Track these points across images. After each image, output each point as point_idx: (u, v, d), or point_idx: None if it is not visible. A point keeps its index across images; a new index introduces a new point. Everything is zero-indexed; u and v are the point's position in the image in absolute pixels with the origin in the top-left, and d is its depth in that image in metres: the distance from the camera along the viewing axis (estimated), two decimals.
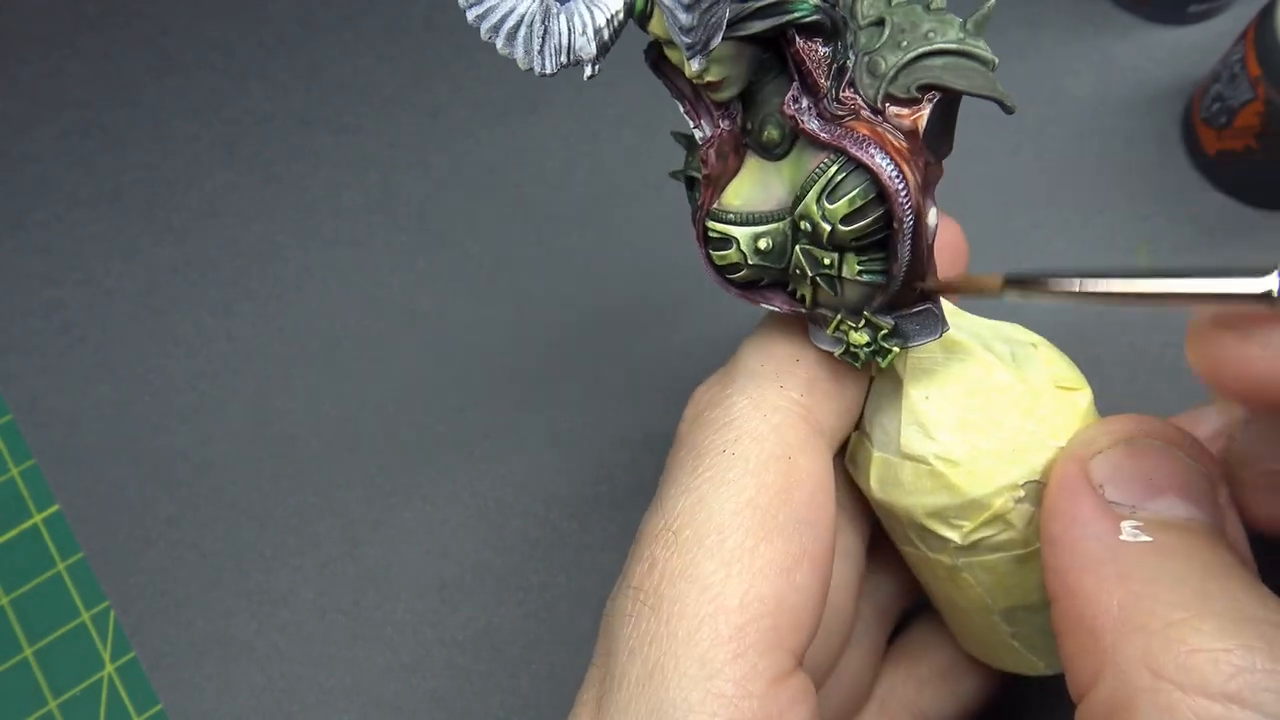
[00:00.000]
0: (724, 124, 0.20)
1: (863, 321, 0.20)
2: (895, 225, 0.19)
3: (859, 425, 0.23)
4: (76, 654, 0.33)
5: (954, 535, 0.21)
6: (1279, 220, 0.36)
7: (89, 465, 0.35)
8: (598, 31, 0.17)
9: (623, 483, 0.34)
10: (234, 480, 0.35)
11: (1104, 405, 0.22)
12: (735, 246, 0.20)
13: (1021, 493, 0.21)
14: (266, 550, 0.34)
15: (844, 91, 0.18)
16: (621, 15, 0.17)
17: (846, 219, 0.19)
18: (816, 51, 0.18)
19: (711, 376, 0.22)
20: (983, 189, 0.37)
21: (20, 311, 0.37)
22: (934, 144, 0.19)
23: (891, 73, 0.18)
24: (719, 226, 0.20)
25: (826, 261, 0.20)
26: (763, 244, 0.20)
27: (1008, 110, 0.18)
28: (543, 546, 0.34)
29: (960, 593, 0.23)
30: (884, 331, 0.20)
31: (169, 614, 0.33)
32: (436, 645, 0.33)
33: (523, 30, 0.17)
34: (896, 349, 0.20)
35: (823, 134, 0.18)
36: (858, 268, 0.20)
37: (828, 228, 0.19)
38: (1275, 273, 0.17)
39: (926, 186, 0.19)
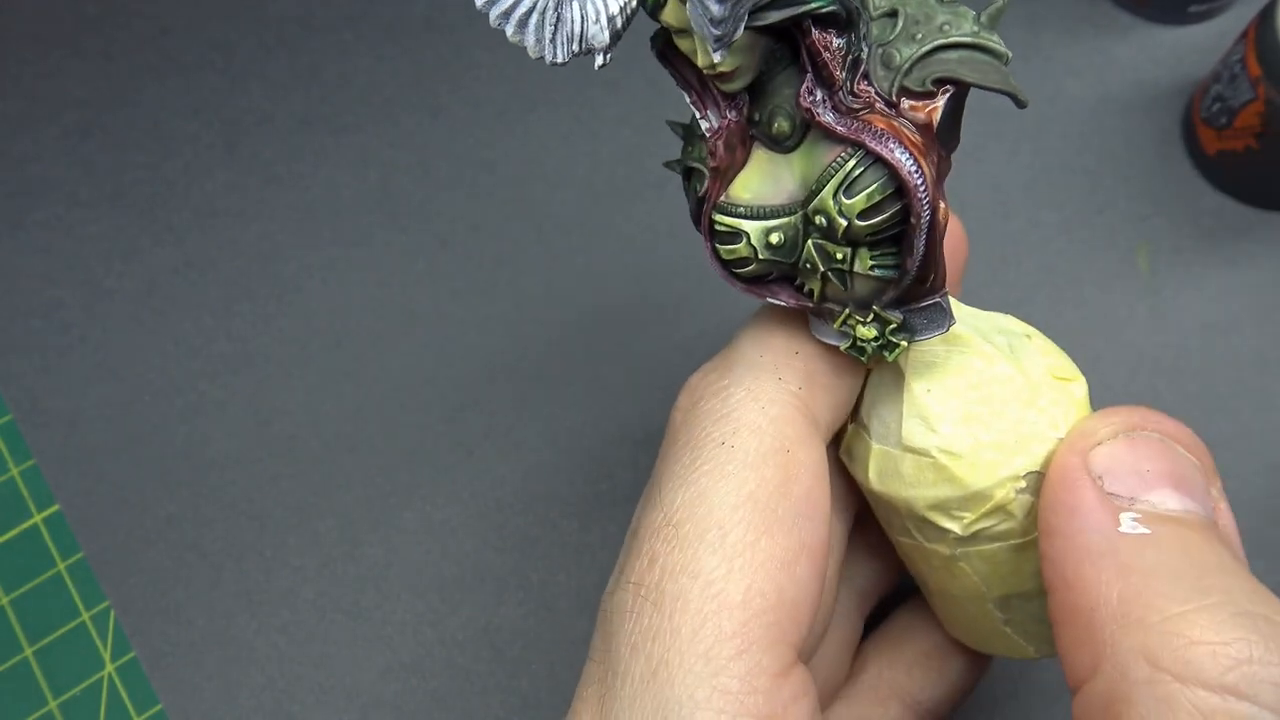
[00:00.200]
0: (731, 115, 0.19)
1: (871, 316, 0.20)
2: (913, 220, 0.18)
3: (855, 418, 0.23)
4: (76, 654, 0.33)
5: (954, 526, 0.21)
6: (1279, 220, 0.36)
7: (89, 465, 0.35)
8: (610, 19, 0.17)
9: (623, 482, 0.34)
10: (234, 480, 0.35)
11: (1102, 404, 0.22)
12: (745, 241, 0.20)
13: (1023, 483, 0.21)
14: (266, 550, 0.34)
15: (859, 84, 0.18)
16: (634, 2, 0.17)
17: (864, 214, 0.19)
18: (831, 43, 0.18)
19: (706, 365, 0.22)
20: (983, 189, 0.37)
21: (20, 311, 0.37)
22: (944, 138, 0.19)
23: (907, 66, 0.18)
24: (728, 220, 0.20)
25: (839, 256, 0.19)
26: (774, 238, 0.20)
27: (1021, 105, 0.18)
28: (543, 546, 0.34)
29: (955, 582, 0.23)
30: (892, 326, 0.20)
31: (169, 614, 0.33)
32: (436, 645, 0.33)
33: (534, 17, 0.17)
34: (904, 343, 0.20)
35: (839, 127, 0.18)
36: (870, 262, 0.19)
37: (844, 222, 0.19)
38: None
39: (939, 180, 0.19)
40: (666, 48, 0.19)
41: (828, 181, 0.19)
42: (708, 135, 0.20)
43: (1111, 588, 0.18)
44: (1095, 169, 0.37)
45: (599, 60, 0.17)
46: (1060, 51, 0.39)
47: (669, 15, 0.18)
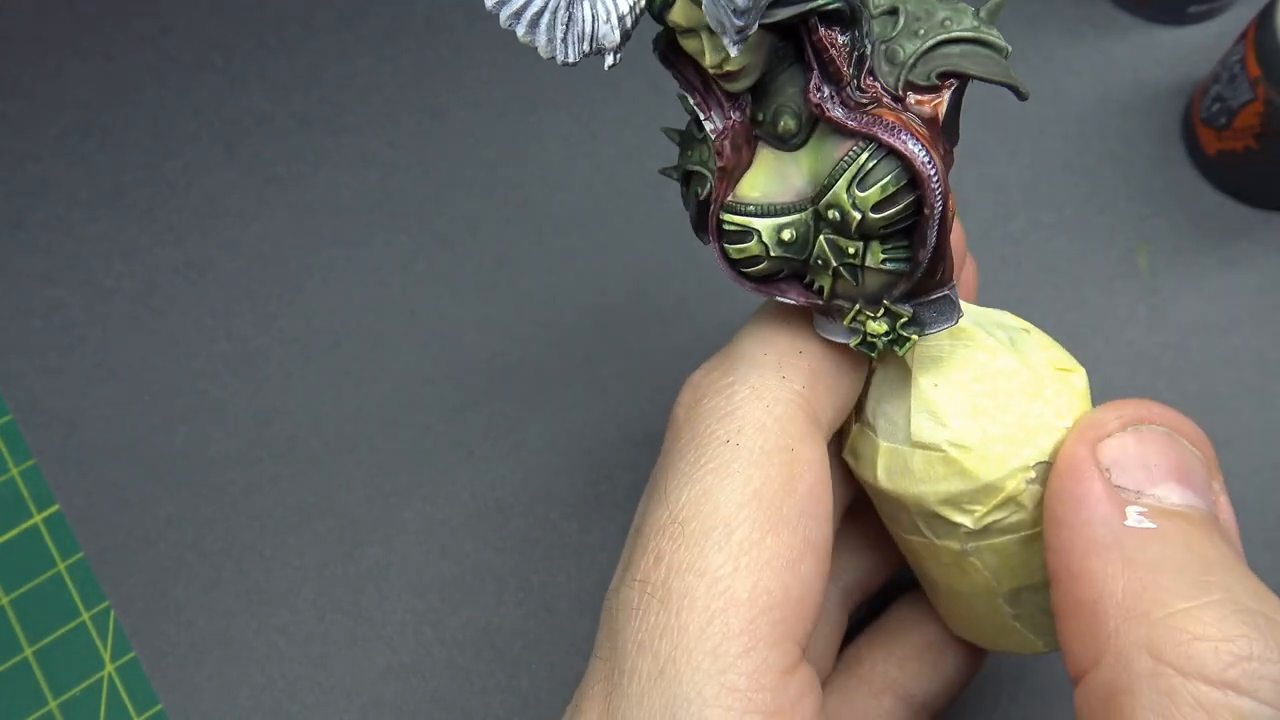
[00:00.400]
0: (735, 115, 0.20)
1: (881, 310, 0.20)
2: (926, 211, 0.19)
3: (859, 418, 0.23)
4: (76, 654, 0.33)
5: (966, 520, 0.21)
6: (1279, 220, 0.36)
7: (89, 465, 0.35)
8: (621, 19, 0.17)
9: (623, 483, 0.34)
10: (234, 480, 0.35)
11: (1101, 404, 0.22)
12: (756, 239, 0.20)
13: (1033, 474, 0.21)
14: (266, 550, 0.34)
15: (865, 79, 0.18)
16: (643, 2, 0.17)
17: (878, 206, 0.19)
18: (837, 40, 0.18)
19: (708, 362, 0.22)
20: (983, 189, 0.37)
21: (20, 311, 0.37)
22: (948, 132, 0.19)
23: (911, 60, 0.18)
24: (737, 219, 0.20)
25: (851, 251, 0.19)
26: (786, 235, 0.20)
27: (1022, 97, 0.18)
28: (543, 546, 0.34)
29: (965, 578, 0.23)
30: (903, 320, 0.20)
31: (169, 614, 0.33)
32: (436, 645, 0.33)
33: (545, 17, 0.17)
34: (915, 337, 0.20)
35: (850, 122, 0.18)
36: (882, 256, 0.20)
37: (858, 216, 0.19)
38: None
39: (947, 173, 0.19)
40: (669, 49, 0.19)
41: (840, 175, 0.19)
42: (713, 136, 0.20)
43: (1116, 581, 0.18)
44: (1095, 169, 0.37)
45: (609, 60, 0.18)
46: (1060, 51, 0.39)
47: (677, 15, 0.18)
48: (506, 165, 0.39)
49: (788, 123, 0.19)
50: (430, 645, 0.33)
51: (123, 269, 0.38)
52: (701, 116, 0.20)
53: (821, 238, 0.20)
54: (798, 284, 0.21)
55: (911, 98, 0.18)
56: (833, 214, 0.19)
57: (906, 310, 0.20)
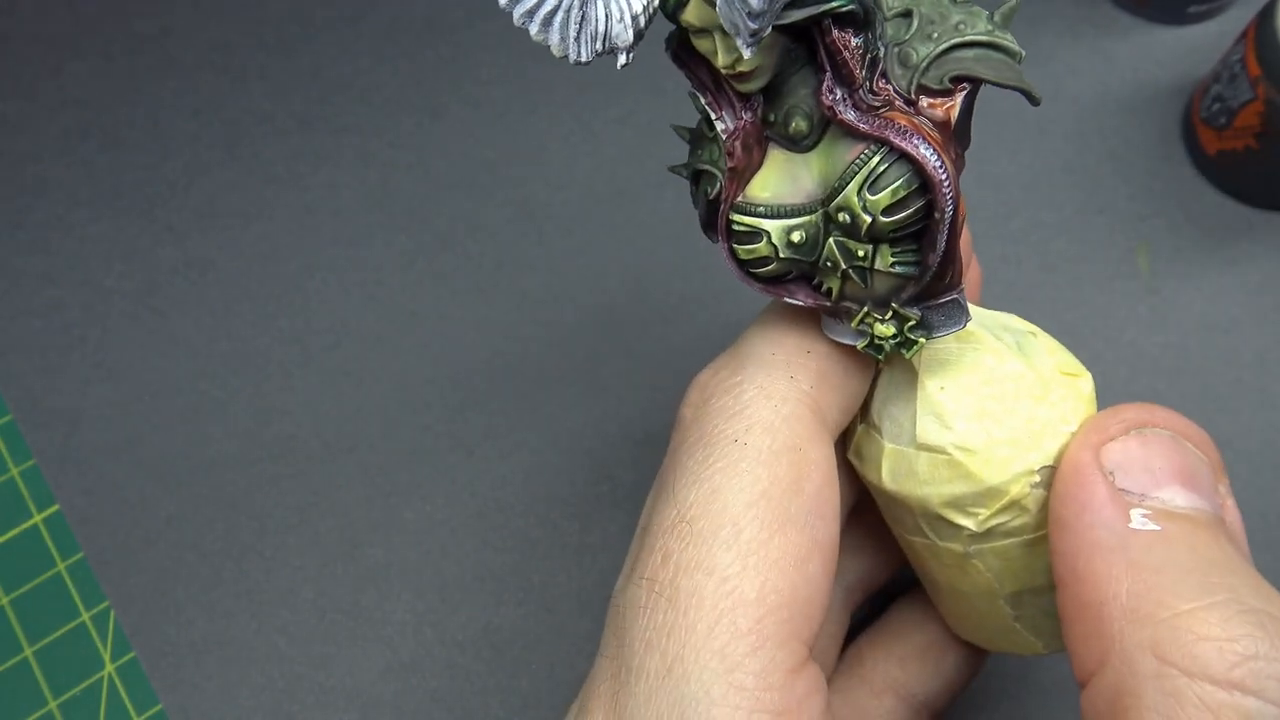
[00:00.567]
0: (746, 116, 0.20)
1: (890, 313, 0.20)
2: (936, 216, 0.19)
3: (865, 419, 0.23)
4: (76, 654, 0.33)
5: (969, 523, 0.21)
6: (1279, 220, 0.36)
7: (89, 465, 0.35)
8: (634, 18, 0.17)
9: (623, 483, 0.34)
10: (234, 480, 0.35)
11: (1102, 404, 0.22)
12: (766, 240, 0.20)
13: (1037, 478, 0.21)
14: (266, 550, 0.34)
15: (878, 82, 0.18)
16: (657, 2, 0.17)
17: (888, 210, 0.19)
18: (850, 42, 0.18)
19: (715, 361, 0.22)
20: (982, 189, 0.37)
21: (20, 311, 0.37)
22: (959, 135, 0.19)
23: (924, 64, 0.18)
24: (747, 220, 0.20)
25: (860, 254, 0.20)
26: (796, 236, 0.20)
27: (1034, 102, 0.18)
28: (543, 546, 0.34)
29: (967, 579, 0.23)
30: (911, 323, 0.20)
31: (169, 614, 0.33)
32: (436, 645, 0.33)
33: (559, 16, 0.17)
34: (922, 340, 0.20)
35: (862, 125, 0.18)
36: (891, 259, 0.20)
37: (868, 219, 0.19)
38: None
39: (958, 177, 0.19)
40: (681, 49, 0.19)
41: (851, 179, 0.19)
42: (724, 136, 0.20)
43: (1121, 583, 0.18)
44: (1095, 169, 0.37)
45: (621, 59, 0.18)
46: (1060, 51, 0.39)
47: (690, 15, 0.18)
48: (506, 165, 0.39)
49: (799, 124, 0.19)
50: (430, 645, 0.33)
51: (123, 269, 0.38)
52: (713, 116, 0.20)
53: (831, 240, 0.20)
54: (806, 285, 0.21)
55: (924, 101, 0.18)
56: (843, 217, 0.19)
57: (914, 313, 0.20)
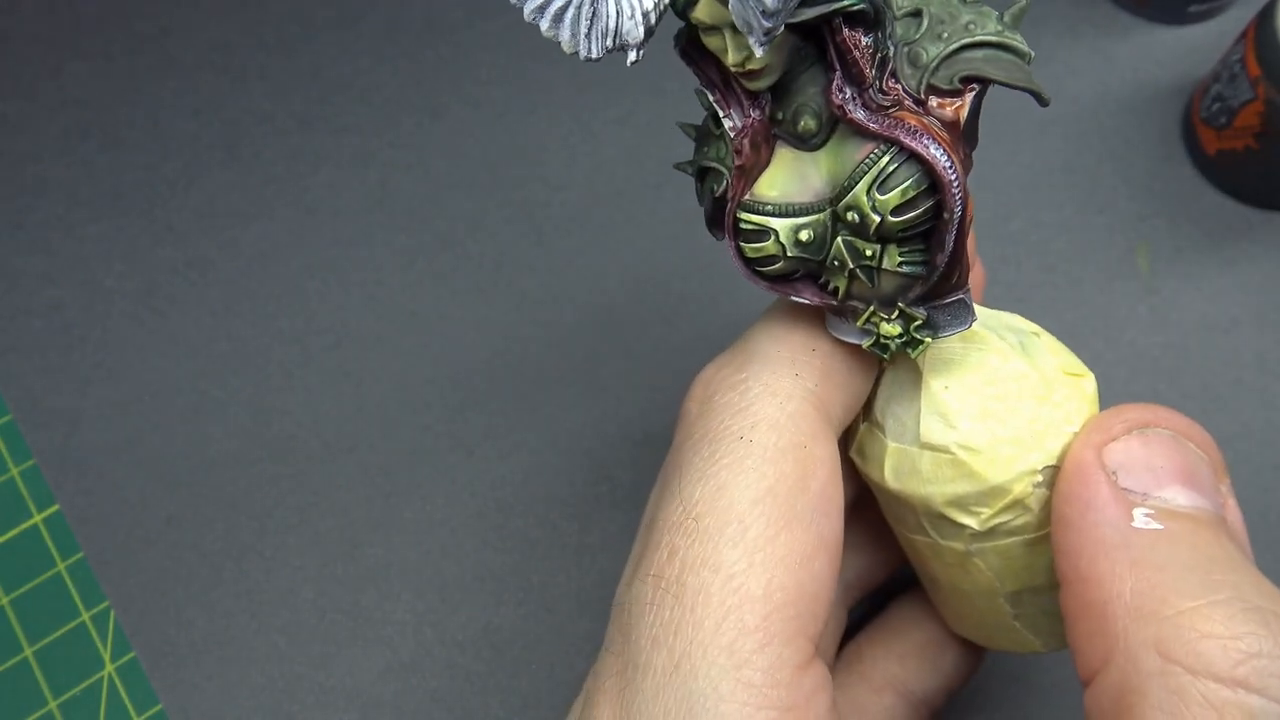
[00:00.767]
0: (754, 113, 0.20)
1: (896, 313, 0.20)
2: (945, 216, 0.19)
3: (868, 417, 0.23)
4: (76, 654, 0.33)
5: (972, 522, 0.21)
6: (1279, 220, 0.36)
7: (89, 465, 0.35)
8: (645, 15, 0.17)
9: (623, 483, 0.34)
10: (234, 480, 0.35)
11: (1102, 405, 0.22)
12: (773, 238, 0.20)
13: (1040, 478, 0.21)
14: (266, 550, 0.34)
15: (887, 82, 0.18)
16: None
17: (897, 210, 0.19)
18: (860, 41, 0.18)
19: (720, 358, 0.22)
20: (982, 189, 0.37)
21: (20, 311, 0.37)
22: (968, 135, 0.19)
23: (934, 64, 0.18)
24: (754, 218, 0.20)
25: (868, 253, 0.20)
26: (804, 235, 0.20)
27: (1043, 103, 0.18)
28: (543, 546, 0.34)
29: (968, 578, 0.23)
30: (917, 323, 0.20)
31: (169, 614, 0.33)
32: (436, 645, 0.33)
33: (570, 13, 0.17)
34: (928, 340, 0.20)
35: (871, 124, 0.18)
36: (898, 259, 0.20)
37: (877, 219, 0.19)
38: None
39: (966, 177, 0.19)
40: (689, 46, 0.19)
41: (860, 178, 0.19)
42: (733, 134, 0.20)
43: (1124, 582, 0.18)
44: (1095, 169, 0.37)
45: (631, 56, 0.18)
46: (1060, 51, 0.39)
47: (701, 12, 0.18)
48: (506, 165, 0.39)
49: (808, 123, 0.19)
50: (430, 645, 0.33)
51: (123, 269, 0.38)
52: (721, 114, 0.20)
53: (839, 239, 0.20)
54: (812, 284, 0.21)
55: (933, 101, 0.18)
56: (851, 216, 0.19)
57: (921, 313, 0.20)
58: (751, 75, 0.19)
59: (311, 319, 0.37)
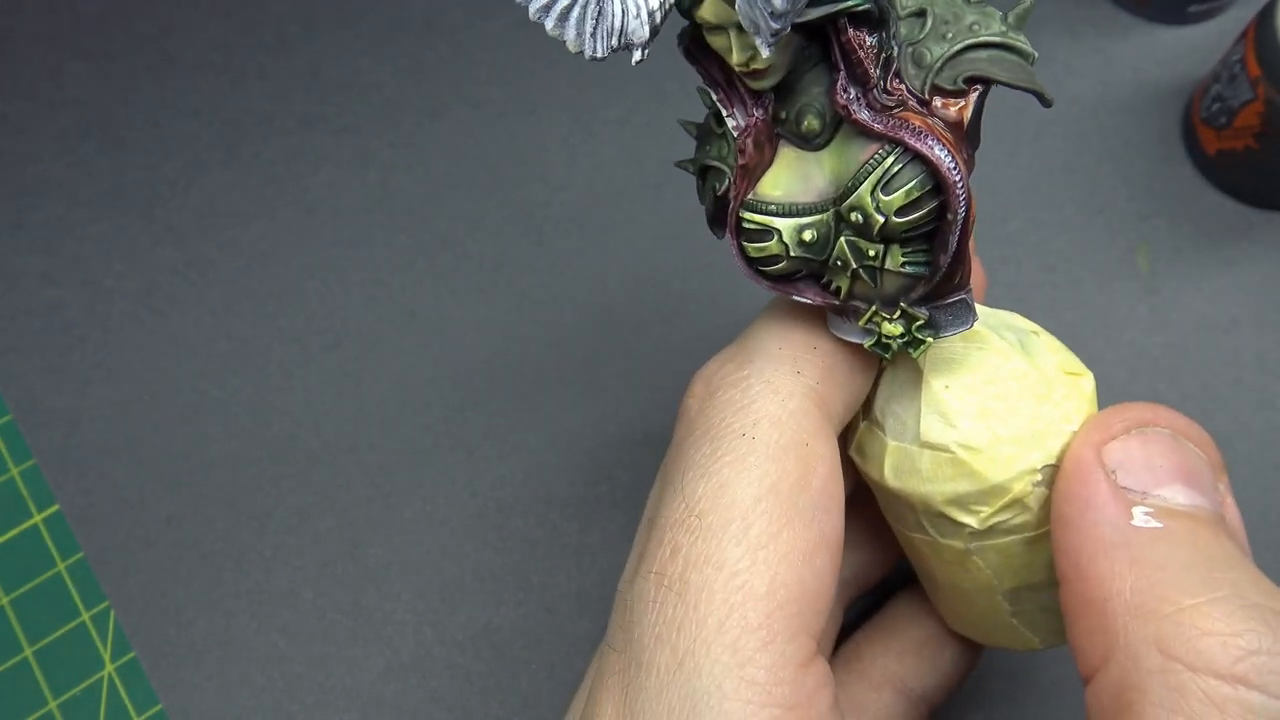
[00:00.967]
0: (757, 113, 0.20)
1: (898, 313, 0.20)
2: (949, 217, 0.19)
3: (868, 416, 0.23)
4: (76, 654, 0.33)
5: (971, 520, 0.21)
6: (1279, 220, 0.36)
7: (89, 465, 0.35)
8: (650, 14, 0.17)
9: (623, 483, 0.34)
10: (234, 480, 0.35)
11: (1102, 405, 0.22)
12: (777, 238, 0.20)
13: (1039, 477, 0.21)
14: (266, 550, 0.34)
15: (891, 82, 0.19)
16: None
17: (901, 210, 0.19)
18: (865, 41, 0.18)
19: (721, 355, 0.22)
20: (982, 189, 0.37)
21: (20, 311, 0.37)
22: (971, 136, 0.19)
23: (938, 64, 0.18)
24: (758, 217, 0.20)
25: (871, 253, 0.20)
26: (807, 235, 0.20)
27: (1046, 104, 0.18)
28: (543, 546, 0.34)
29: (967, 576, 0.23)
30: (919, 323, 0.20)
31: (169, 614, 0.33)
32: (436, 645, 0.33)
33: (575, 11, 0.17)
34: (930, 339, 0.20)
35: (876, 125, 0.19)
36: (902, 259, 0.20)
37: (881, 219, 0.19)
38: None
39: (969, 177, 0.19)
40: (693, 45, 0.19)
41: (865, 179, 0.19)
42: (736, 134, 0.20)
43: (1124, 580, 0.18)
44: (1095, 169, 0.37)
45: (636, 55, 0.18)
46: (1060, 51, 0.39)
47: (706, 12, 0.18)
48: (506, 165, 0.39)
49: (811, 122, 0.19)
50: (430, 645, 0.33)
51: (123, 269, 0.38)
52: (724, 113, 0.20)
53: (842, 239, 0.20)
54: (814, 284, 0.21)
55: (937, 101, 0.19)
56: (855, 216, 0.19)
57: (923, 313, 0.20)
58: (756, 75, 0.19)
59: (311, 319, 0.37)
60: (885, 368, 0.23)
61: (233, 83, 0.40)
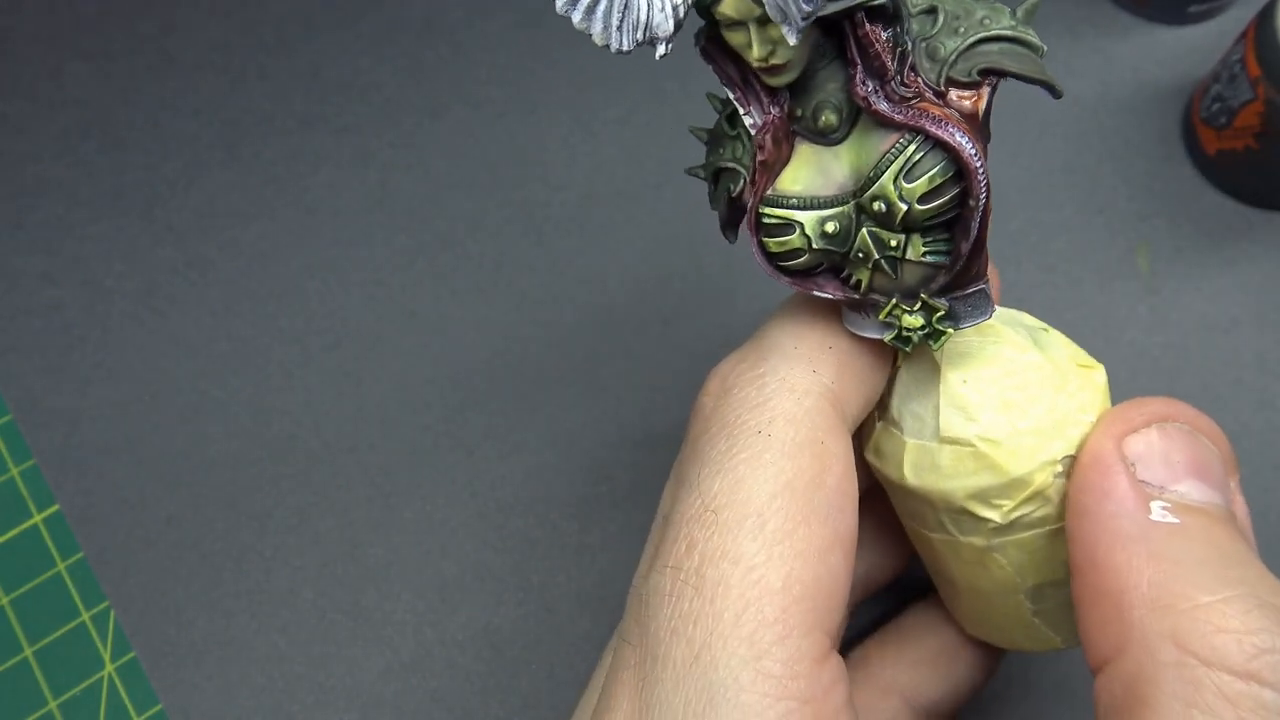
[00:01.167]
0: (774, 110, 0.20)
1: (918, 304, 0.20)
2: (971, 203, 0.19)
3: (883, 416, 0.23)
4: (76, 654, 0.33)
5: (994, 515, 0.21)
6: (1279, 220, 0.36)
7: (89, 465, 0.35)
8: (675, 9, 0.18)
9: (623, 483, 0.34)
10: (234, 480, 0.35)
11: (1127, 400, 0.23)
12: (799, 231, 0.20)
13: (1060, 468, 0.21)
14: (266, 550, 0.34)
15: (908, 75, 0.19)
16: None
17: (924, 197, 0.19)
18: (881, 35, 0.19)
19: (736, 353, 0.22)
20: None
21: (20, 311, 0.37)
22: (984, 129, 0.19)
23: (952, 57, 0.19)
24: (779, 212, 0.20)
25: (893, 244, 0.20)
26: (830, 227, 0.20)
27: (1056, 95, 0.19)
28: (543, 546, 0.34)
29: (987, 574, 0.23)
30: (939, 314, 0.20)
31: (169, 614, 0.33)
32: (436, 645, 0.33)
33: (602, 4, 0.18)
34: (950, 330, 0.20)
35: (897, 115, 0.19)
36: (923, 249, 0.20)
37: (904, 207, 0.19)
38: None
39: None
40: (710, 44, 0.20)
41: (886, 168, 0.19)
42: (754, 131, 0.20)
43: (1142, 573, 0.19)
44: (1095, 169, 0.37)
45: (661, 49, 0.18)
46: (1060, 51, 0.39)
47: (727, 7, 0.18)
48: (506, 165, 0.39)
49: (829, 118, 0.20)
50: (430, 645, 0.33)
51: (123, 269, 0.38)
52: (741, 111, 0.20)
53: (864, 230, 0.20)
54: (834, 278, 0.21)
55: (953, 93, 0.19)
56: (878, 206, 0.19)
57: (943, 304, 0.20)
58: (774, 71, 0.19)
59: (311, 319, 0.37)
60: (899, 368, 0.23)
61: (233, 83, 0.40)
